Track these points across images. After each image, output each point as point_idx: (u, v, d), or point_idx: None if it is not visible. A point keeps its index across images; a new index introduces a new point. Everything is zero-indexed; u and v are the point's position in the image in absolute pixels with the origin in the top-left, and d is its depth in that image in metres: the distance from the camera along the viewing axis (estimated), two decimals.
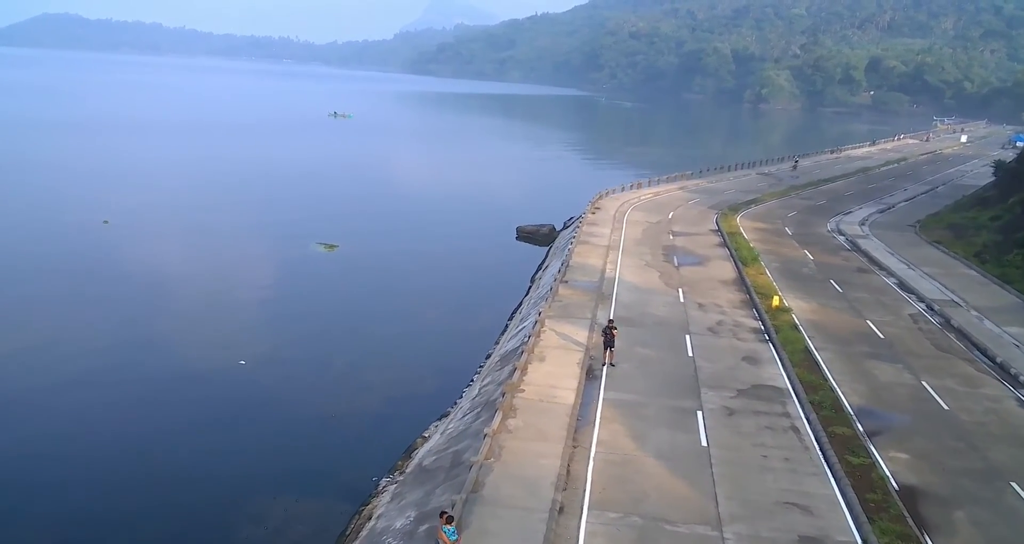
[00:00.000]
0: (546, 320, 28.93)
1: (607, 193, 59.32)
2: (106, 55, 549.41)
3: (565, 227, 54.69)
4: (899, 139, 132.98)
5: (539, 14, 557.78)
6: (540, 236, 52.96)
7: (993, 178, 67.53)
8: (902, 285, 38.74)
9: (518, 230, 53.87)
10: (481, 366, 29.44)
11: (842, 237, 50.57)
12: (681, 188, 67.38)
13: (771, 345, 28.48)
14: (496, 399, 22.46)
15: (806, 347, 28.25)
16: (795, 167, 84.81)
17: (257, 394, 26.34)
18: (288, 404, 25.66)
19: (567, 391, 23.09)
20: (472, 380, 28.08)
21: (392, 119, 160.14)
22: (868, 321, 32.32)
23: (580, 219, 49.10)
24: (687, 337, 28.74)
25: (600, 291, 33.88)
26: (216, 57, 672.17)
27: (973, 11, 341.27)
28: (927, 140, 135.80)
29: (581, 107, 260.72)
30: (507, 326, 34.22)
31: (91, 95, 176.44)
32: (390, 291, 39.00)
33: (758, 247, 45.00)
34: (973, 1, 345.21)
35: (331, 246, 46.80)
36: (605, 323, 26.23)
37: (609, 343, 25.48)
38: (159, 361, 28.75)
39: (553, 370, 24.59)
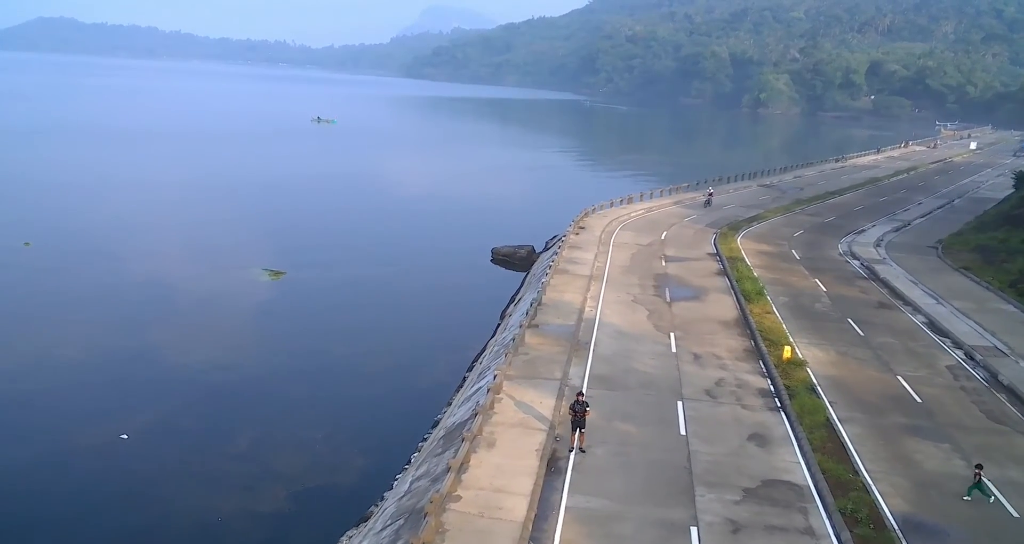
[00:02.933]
0: (503, 383, 23.24)
1: (593, 210, 53.64)
2: (101, 59, 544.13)
3: (546, 248, 49.12)
4: (905, 146, 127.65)
5: (535, 18, 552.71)
6: (517, 260, 47.38)
7: (1014, 190, 62.15)
8: (932, 325, 33.10)
9: (493, 252, 48.28)
10: (425, 438, 23.78)
11: (856, 261, 44.98)
12: (676, 202, 61.75)
13: (784, 415, 22.82)
14: (424, 504, 16.82)
15: (828, 419, 22.57)
16: (708, 202, 60.75)
17: (122, 487, 20.66)
18: (162, 505, 19.97)
19: (518, 497, 17.40)
20: (410, 460, 22.43)
21: (378, 125, 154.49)
22: (899, 377, 26.68)
23: (561, 241, 43.46)
24: (679, 405, 23.08)
25: (576, 339, 28.21)
26: (211, 61, 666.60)
27: (973, 14, 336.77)
28: (934, 147, 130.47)
29: (571, 112, 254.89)
30: (465, 379, 28.58)
31: (67, 100, 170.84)
32: (333, 333, 33.29)
33: (763, 275, 39.37)
34: (973, 4, 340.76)
35: (277, 273, 41.17)
36: (578, 387, 20.75)
37: (578, 423, 19.86)
38: (12, 434, 22.98)
39: (504, 462, 18.91)
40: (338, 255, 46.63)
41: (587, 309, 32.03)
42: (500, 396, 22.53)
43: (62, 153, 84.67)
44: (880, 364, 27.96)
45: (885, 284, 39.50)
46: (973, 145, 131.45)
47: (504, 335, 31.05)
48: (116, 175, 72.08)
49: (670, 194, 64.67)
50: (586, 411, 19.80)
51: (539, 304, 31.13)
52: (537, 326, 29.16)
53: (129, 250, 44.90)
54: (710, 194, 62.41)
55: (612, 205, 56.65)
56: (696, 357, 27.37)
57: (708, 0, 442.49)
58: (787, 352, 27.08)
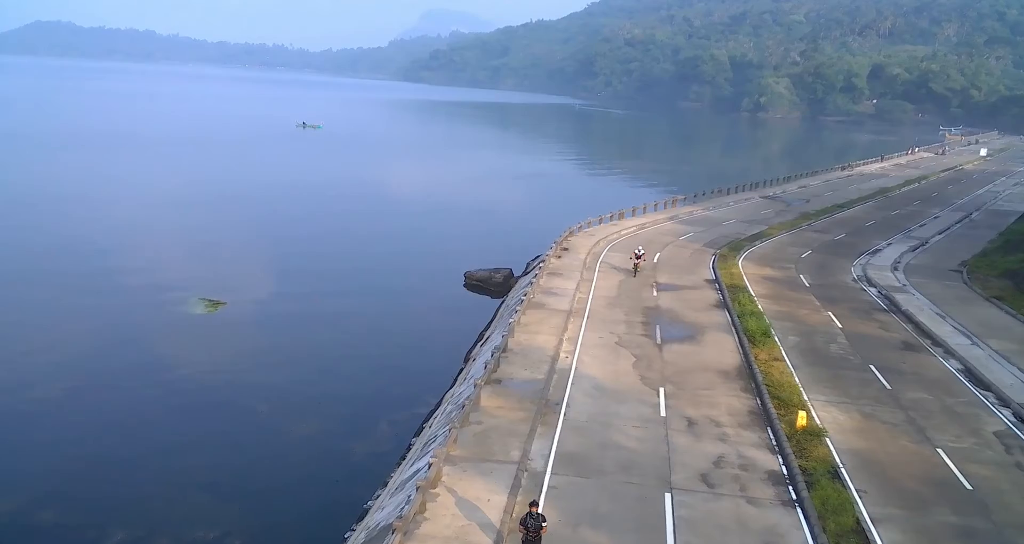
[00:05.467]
0: (444, 471, 18.25)
1: (579, 227, 48.60)
2: (97, 63, 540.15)
3: (526, 272, 44.13)
4: (913, 153, 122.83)
5: (534, 21, 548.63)
6: (493, 285, 42.35)
7: None
8: (969, 373, 28.12)
9: (466, 277, 43.25)
10: (345, 540, 18.74)
11: (873, 289, 39.96)
12: (671, 218, 56.69)
13: (801, 514, 17.79)
14: None
15: (858, 520, 17.54)
16: (636, 268, 38.85)
17: None
18: None
19: None
20: None
21: (365, 130, 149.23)
22: (940, 450, 21.68)
23: (540, 266, 38.41)
24: (668, 498, 18.06)
25: (544, 399, 23.19)
26: (209, 65, 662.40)
27: (976, 17, 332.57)
28: (943, 154, 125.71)
29: (565, 116, 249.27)
30: (410, 448, 23.56)
31: (48, 104, 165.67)
32: (262, 384, 28.14)
33: (768, 308, 34.38)
34: (975, 7, 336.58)
35: (215, 303, 36.14)
36: (539, 471, 16.02)
37: (532, 542, 14.90)
38: None
39: None
40: (290, 280, 41.58)
41: (562, 356, 27.02)
42: (436, 491, 17.52)
43: (20, 160, 79.61)
44: (915, 431, 22.94)
45: (908, 318, 34.47)
46: (983, 151, 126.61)
47: (462, 388, 26.05)
48: (65, 185, 66.97)
49: (665, 208, 59.71)
50: (542, 528, 14.86)
51: (503, 352, 26.10)
52: (499, 382, 24.17)
53: (45, 273, 39.80)
54: (638, 257, 38.77)
55: (601, 221, 51.59)
56: (690, 423, 22.35)
57: (707, 3, 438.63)
58: (802, 418, 22.07)
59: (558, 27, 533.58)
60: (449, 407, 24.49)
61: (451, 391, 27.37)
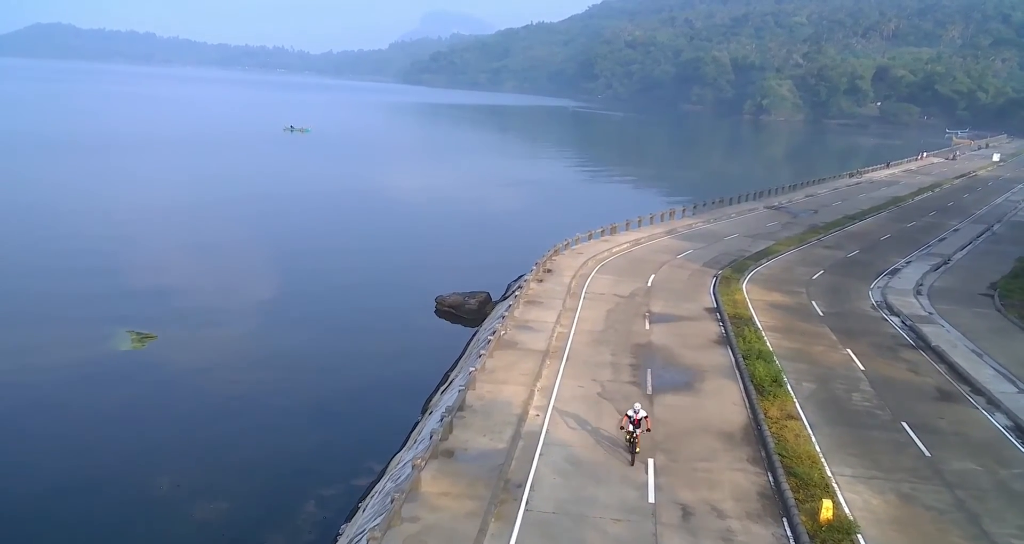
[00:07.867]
0: None
1: (566, 245, 43.85)
2: (97, 65, 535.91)
3: (505, 295, 39.51)
4: (922, 157, 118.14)
5: (534, 23, 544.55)
6: (466, 312, 37.74)
7: None
8: (1021, 432, 23.48)
9: (437, 302, 38.63)
10: None
11: (896, 318, 35.25)
12: (669, 232, 52.00)
13: None
14: None
15: None
16: (634, 442, 19.76)
17: None
18: None
19: None
20: None
21: (355, 133, 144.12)
22: None
23: (517, 293, 33.76)
24: None
25: (503, 479, 18.57)
26: (209, 67, 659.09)
27: (980, 19, 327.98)
28: (954, 159, 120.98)
29: (563, 120, 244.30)
30: (338, 539, 18.94)
31: (29, 106, 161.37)
32: (170, 449, 23.43)
33: (778, 345, 29.75)
34: (980, 9, 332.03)
35: (144, 337, 31.61)
36: None
37: None
38: None
39: None
40: (234, 307, 36.89)
41: (531, 414, 22.40)
42: None
43: None
44: (967, 520, 18.28)
45: (940, 357, 29.80)
46: (996, 157, 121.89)
47: (410, 455, 21.40)
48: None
49: (662, 220, 55.05)
50: None
51: (459, 411, 21.48)
52: (450, 454, 19.56)
53: None
54: (634, 421, 19.82)
55: (591, 237, 46.88)
56: (686, 513, 17.71)
57: (709, 5, 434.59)
58: (827, 510, 17.41)
59: (559, 29, 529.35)
60: (389, 484, 19.88)
61: (398, 456, 22.74)
